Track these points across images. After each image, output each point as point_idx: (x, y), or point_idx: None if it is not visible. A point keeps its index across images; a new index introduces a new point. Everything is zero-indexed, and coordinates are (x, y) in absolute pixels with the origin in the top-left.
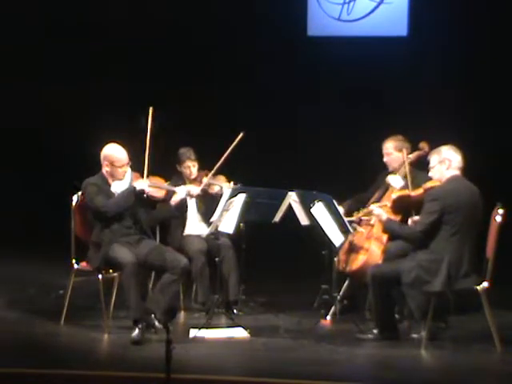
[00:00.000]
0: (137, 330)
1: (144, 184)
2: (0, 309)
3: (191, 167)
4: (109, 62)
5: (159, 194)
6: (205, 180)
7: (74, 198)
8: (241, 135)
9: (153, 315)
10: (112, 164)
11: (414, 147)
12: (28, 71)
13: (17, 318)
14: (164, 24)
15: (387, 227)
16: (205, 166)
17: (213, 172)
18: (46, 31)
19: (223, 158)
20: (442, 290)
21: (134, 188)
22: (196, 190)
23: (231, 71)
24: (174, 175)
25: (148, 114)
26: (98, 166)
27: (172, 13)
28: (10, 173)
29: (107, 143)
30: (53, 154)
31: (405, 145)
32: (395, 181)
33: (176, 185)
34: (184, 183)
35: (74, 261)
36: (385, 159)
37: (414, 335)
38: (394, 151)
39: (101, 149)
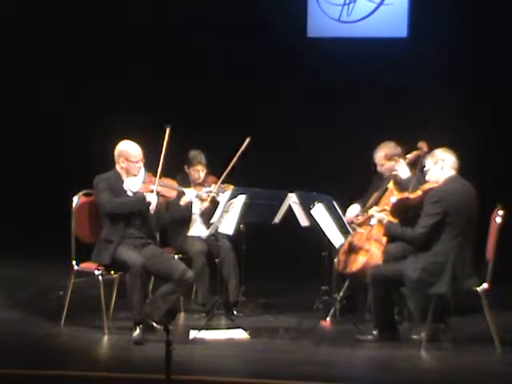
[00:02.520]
0: (138, 331)
1: (154, 198)
2: (0, 309)
3: (200, 171)
4: (109, 62)
5: (171, 194)
6: (213, 187)
7: (75, 199)
8: (247, 140)
9: (150, 319)
10: (127, 159)
11: (414, 147)
12: (28, 71)
13: (17, 319)
14: (164, 24)
15: (389, 231)
16: (210, 168)
17: (221, 179)
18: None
19: (231, 165)
20: (447, 293)
21: (145, 198)
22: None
23: (231, 72)
24: (180, 175)
25: (165, 132)
26: (97, 166)
27: (172, 13)
28: (10, 173)
29: (121, 140)
30: (53, 153)
31: (396, 151)
32: (403, 170)
33: (184, 187)
34: (189, 185)
35: (74, 262)
36: (378, 169)
37: (414, 336)
38: (385, 161)
39: (113, 147)
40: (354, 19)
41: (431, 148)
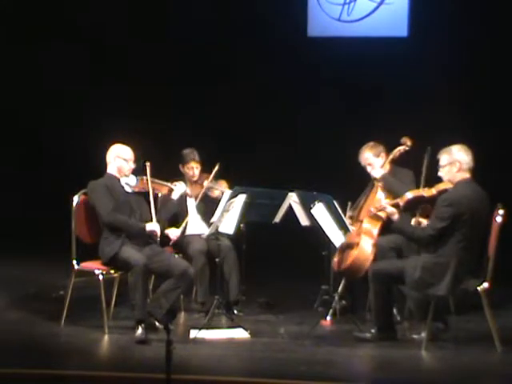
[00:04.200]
0: (140, 330)
1: (156, 226)
2: (0, 309)
3: (194, 168)
4: (109, 62)
5: (163, 189)
6: (205, 184)
7: (75, 199)
8: (217, 167)
9: (153, 317)
10: (120, 157)
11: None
12: (27, 71)
13: (17, 318)
14: (164, 24)
15: (398, 227)
16: (205, 167)
17: (210, 179)
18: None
19: (204, 188)
20: (447, 295)
21: (144, 228)
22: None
23: (231, 72)
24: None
25: (146, 168)
26: (98, 166)
27: (172, 13)
28: (10, 173)
29: (112, 144)
30: (53, 153)
31: (380, 148)
32: (375, 172)
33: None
34: (185, 185)
35: (74, 261)
36: (369, 169)
37: (415, 336)
38: (374, 159)
39: (104, 149)
40: (354, 18)
41: (418, 144)
